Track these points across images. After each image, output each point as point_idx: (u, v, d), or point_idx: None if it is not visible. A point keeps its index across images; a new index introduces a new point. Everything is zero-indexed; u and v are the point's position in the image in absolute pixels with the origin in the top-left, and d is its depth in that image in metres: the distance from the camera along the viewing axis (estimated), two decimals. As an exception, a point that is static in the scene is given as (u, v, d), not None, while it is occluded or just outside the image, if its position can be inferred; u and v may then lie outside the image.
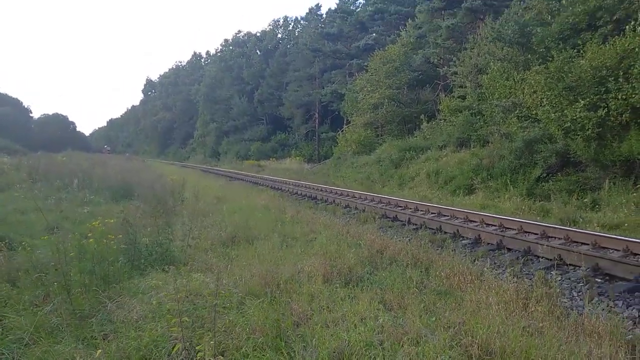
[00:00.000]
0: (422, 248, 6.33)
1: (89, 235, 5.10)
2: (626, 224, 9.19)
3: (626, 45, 12.18)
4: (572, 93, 12.90)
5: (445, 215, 10.03)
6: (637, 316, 3.99)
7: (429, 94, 27.91)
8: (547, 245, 6.47)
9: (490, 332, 3.38)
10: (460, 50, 24.06)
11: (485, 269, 5.18)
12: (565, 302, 4.51)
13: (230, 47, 69.24)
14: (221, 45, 77.00)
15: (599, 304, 4.38)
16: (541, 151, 13.66)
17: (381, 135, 29.13)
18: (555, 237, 7.37)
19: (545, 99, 13.80)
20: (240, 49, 64.95)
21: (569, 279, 5.55)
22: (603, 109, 11.87)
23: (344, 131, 32.39)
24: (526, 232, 7.93)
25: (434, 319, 3.81)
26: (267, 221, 8.98)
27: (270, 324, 3.56)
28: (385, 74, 28.09)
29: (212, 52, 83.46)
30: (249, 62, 59.49)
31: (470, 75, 22.17)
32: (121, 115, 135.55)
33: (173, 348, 3.02)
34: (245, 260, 5.84)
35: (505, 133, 16.53)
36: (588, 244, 6.84)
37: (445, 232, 8.54)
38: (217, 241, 7.34)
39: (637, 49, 11.90)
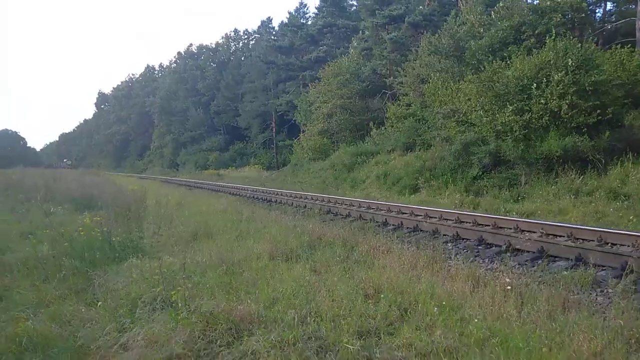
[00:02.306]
0: (352, 233, 7.73)
1: (80, 229, 6.20)
2: (539, 212, 10.91)
3: (543, 57, 14.08)
4: (500, 100, 14.59)
5: (381, 210, 11.51)
6: (495, 267, 5.47)
7: (378, 102, 29.60)
8: (447, 226, 8.05)
9: (383, 280, 4.77)
10: (404, 61, 25.88)
11: (393, 244, 6.62)
12: (450, 262, 5.95)
13: (185, 60, 69.51)
14: (174, 57, 77.21)
15: (471, 261, 5.87)
16: (476, 152, 15.11)
17: (336, 142, 30.63)
18: (466, 221, 8.94)
19: (478, 105, 15.55)
20: (194, 62, 65.50)
21: (458, 247, 7.13)
22: (527, 113, 13.58)
23: (300, 139, 33.75)
24: (445, 218, 9.47)
25: (347, 276, 5.17)
26: (225, 221, 10.13)
27: (225, 284, 4.82)
28: (337, 85, 29.69)
29: (165, 64, 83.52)
30: (204, 74, 60.17)
31: (413, 85, 23.93)
32: (73, 130, 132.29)
33: (156, 288, 4.22)
34: (207, 250, 7.02)
35: (445, 137, 18.13)
36: (489, 225, 8.43)
37: (376, 221, 10.01)
38: (180, 238, 8.45)
39: (552, 61, 13.82)
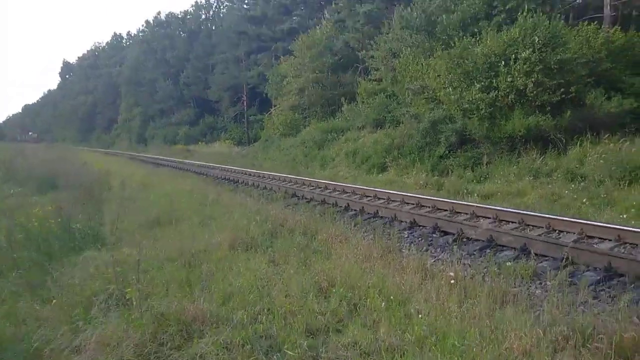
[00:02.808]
0: (313, 220, 7.85)
1: (33, 220, 6.12)
2: (499, 193, 11.19)
3: (511, 34, 14.17)
4: (468, 77, 14.67)
5: (346, 193, 11.67)
6: (446, 258, 5.71)
7: (350, 76, 29.43)
8: (406, 212, 8.29)
9: (337, 272, 4.92)
10: (378, 34, 25.63)
11: (351, 233, 6.79)
12: (404, 252, 6.16)
13: (154, 29, 67.13)
14: (143, 26, 74.53)
15: (425, 250, 6.10)
16: (443, 131, 15.25)
17: (307, 118, 30.42)
18: (425, 206, 9.19)
19: (447, 82, 15.63)
20: (164, 31, 63.32)
21: (413, 235, 7.37)
22: (494, 91, 13.69)
23: (270, 114, 33.42)
24: (406, 203, 9.69)
25: (304, 267, 5.30)
26: (189, 204, 10.12)
27: (182, 279, 4.89)
28: (310, 59, 29.34)
29: (134, 32, 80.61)
30: (173, 44, 58.37)
31: (385, 59, 23.75)
32: (37, 101, 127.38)
33: (110, 285, 4.27)
34: (168, 238, 7.04)
35: (414, 114, 18.11)
36: (447, 210, 8.71)
37: (339, 206, 10.19)
38: (143, 224, 8.41)
39: (519, 39, 13.95)
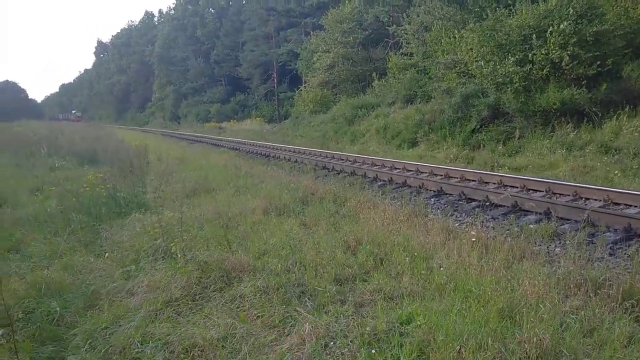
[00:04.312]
0: (343, 189, 8.16)
1: (85, 186, 6.68)
2: (530, 166, 11.21)
3: (547, 6, 13.86)
4: (502, 50, 14.49)
5: (375, 165, 11.91)
6: (470, 222, 5.91)
7: (380, 51, 29.21)
8: (433, 181, 8.48)
9: (364, 233, 5.22)
10: (409, 7, 25.26)
11: (379, 199, 7.07)
12: (430, 216, 6.40)
13: (184, 5, 67.66)
14: (173, 3, 75.29)
15: (450, 215, 6.32)
16: (476, 105, 15.14)
17: (337, 94, 30.46)
18: (454, 177, 9.35)
19: (479, 56, 15.45)
20: (193, 7, 63.75)
21: (440, 202, 7.58)
22: (529, 64, 13.48)
23: (301, 91, 33.59)
24: (435, 174, 9.87)
25: (333, 229, 5.62)
26: (224, 176, 10.58)
27: (220, 237, 5.30)
28: (341, 33, 29.21)
29: (165, 10, 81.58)
30: (203, 21, 58.82)
31: (417, 33, 23.47)
32: (73, 80, 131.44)
33: (156, 240, 4.72)
34: (205, 205, 7.49)
35: (446, 89, 18.01)
36: (475, 180, 8.85)
37: (368, 177, 10.43)
38: (181, 193, 8.89)
39: (555, 10, 13.64)
